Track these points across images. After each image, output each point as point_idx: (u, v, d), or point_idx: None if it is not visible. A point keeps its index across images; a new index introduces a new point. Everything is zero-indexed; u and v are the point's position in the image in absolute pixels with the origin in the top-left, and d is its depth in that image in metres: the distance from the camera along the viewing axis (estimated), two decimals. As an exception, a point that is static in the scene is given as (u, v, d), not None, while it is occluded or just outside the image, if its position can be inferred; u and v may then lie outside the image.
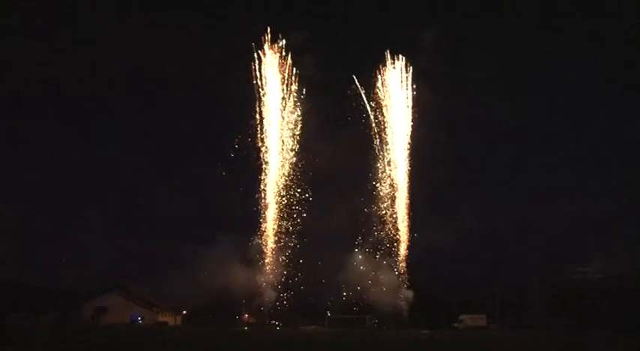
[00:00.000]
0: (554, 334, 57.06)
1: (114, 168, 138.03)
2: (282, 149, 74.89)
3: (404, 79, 77.81)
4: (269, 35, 74.75)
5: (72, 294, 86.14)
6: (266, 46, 74.55)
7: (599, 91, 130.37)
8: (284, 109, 75.19)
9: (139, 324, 78.80)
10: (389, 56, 77.71)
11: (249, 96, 73.83)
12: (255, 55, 73.81)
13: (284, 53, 75.00)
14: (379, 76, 77.10)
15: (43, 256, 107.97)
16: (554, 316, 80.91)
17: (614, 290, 79.41)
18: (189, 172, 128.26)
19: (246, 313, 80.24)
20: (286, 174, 74.50)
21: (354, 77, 76.60)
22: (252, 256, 73.41)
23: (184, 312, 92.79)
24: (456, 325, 78.35)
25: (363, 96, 76.32)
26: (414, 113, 77.51)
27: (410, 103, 77.47)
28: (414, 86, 77.50)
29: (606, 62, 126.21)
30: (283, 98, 75.04)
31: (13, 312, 70.77)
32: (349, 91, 76.10)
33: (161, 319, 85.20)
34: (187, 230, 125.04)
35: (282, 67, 75.21)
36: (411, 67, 77.77)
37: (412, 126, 77.44)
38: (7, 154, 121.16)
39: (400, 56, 77.88)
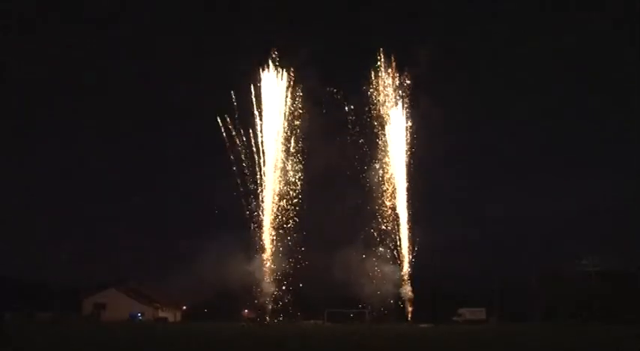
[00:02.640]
0: (553, 327, 57.24)
1: (114, 166, 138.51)
2: (282, 150, 74.89)
3: (400, 81, 77.85)
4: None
5: (71, 290, 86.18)
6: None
7: (600, 89, 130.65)
8: (284, 112, 75.14)
9: (139, 320, 78.87)
10: (386, 58, 77.83)
11: (248, 97, 73.88)
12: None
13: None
14: (375, 77, 77.28)
15: (42, 252, 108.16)
16: (553, 309, 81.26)
17: (612, 283, 79.67)
18: (189, 170, 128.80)
19: (245, 308, 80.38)
20: (285, 172, 74.50)
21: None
22: (251, 252, 73.47)
23: (184, 307, 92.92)
24: (455, 318, 78.69)
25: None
26: (411, 113, 77.63)
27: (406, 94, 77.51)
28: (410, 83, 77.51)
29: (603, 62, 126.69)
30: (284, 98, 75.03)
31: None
32: (349, 91, 76.22)
33: (161, 315, 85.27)
34: (187, 226, 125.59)
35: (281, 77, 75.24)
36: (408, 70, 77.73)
37: (411, 126, 77.55)
38: (6, 151, 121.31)
39: (396, 55, 78.02)
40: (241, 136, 73.10)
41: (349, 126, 75.69)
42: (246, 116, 73.50)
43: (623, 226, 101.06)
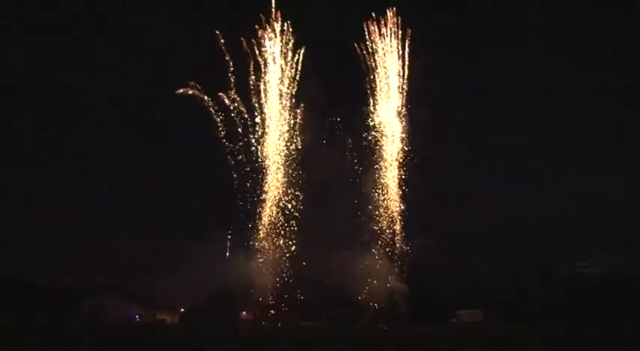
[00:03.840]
0: (553, 327, 57.03)
1: (111, 165, 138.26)
2: (280, 150, 74.93)
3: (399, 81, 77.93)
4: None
5: (69, 292, 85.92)
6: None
7: (602, 86, 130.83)
8: (283, 110, 75.12)
9: (137, 322, 78.70)
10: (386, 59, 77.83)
11: (248, 93, 73.88)
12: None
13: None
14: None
15: (42, 252, 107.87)
16: (552, 310, 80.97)
17: (613, 284, 79.45)
18: (187, 169, 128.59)
19: (243, 310, 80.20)
20: (283, 175, 74.52)
21: None
22: (249, 253, 73.41)
23: (182, 310, 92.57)
24: (453, 320, 78.45)
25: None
26: (408, 105, 77.62)
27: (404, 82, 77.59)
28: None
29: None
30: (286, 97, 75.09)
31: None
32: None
33: (159, 317, 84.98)
34: (185, 228, 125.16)
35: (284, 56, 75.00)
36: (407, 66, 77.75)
37: (409, 126, 77.58)
38: (6, 151, 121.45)
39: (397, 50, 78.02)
40: (239, 133, 73.40)
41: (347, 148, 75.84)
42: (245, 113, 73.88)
43: (624, 226, 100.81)
